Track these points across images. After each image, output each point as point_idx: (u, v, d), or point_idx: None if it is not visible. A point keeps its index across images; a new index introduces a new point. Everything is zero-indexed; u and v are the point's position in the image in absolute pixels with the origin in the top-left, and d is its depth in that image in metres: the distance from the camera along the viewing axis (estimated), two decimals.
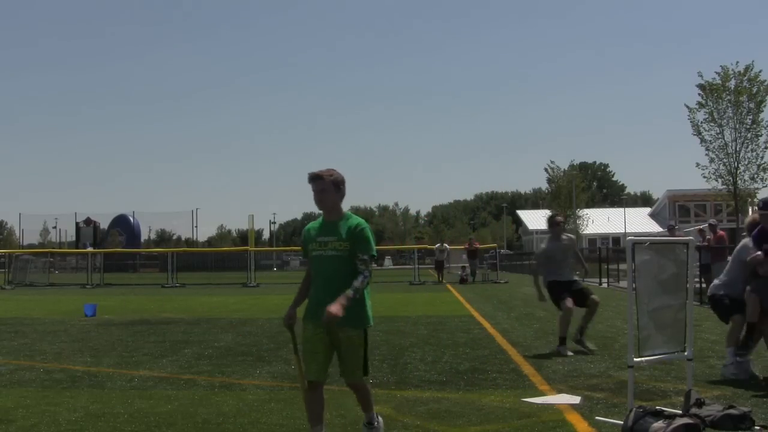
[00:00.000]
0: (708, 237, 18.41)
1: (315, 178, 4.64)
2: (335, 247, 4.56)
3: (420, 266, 36.24)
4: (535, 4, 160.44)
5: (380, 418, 5.05)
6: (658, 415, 4.99)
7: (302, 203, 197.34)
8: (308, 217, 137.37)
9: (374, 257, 4.60)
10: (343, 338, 4.55)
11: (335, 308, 4.34)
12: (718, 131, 28.32)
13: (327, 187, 4.63)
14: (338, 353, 4.61)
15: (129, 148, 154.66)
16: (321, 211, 4.75)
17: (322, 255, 4.60)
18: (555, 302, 9.55)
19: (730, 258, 8.03)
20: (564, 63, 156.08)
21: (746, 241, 7.61)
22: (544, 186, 69.66)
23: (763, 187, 28.55)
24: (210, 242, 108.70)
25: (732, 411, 5.20)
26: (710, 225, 18.15)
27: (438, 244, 36.22)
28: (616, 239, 68.30)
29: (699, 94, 28.69)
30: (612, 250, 29.86)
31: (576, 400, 6.24)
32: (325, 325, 4.44)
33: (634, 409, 5.12)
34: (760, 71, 28.17)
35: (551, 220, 9.93)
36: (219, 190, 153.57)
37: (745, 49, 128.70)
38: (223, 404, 6.33)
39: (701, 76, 28.66)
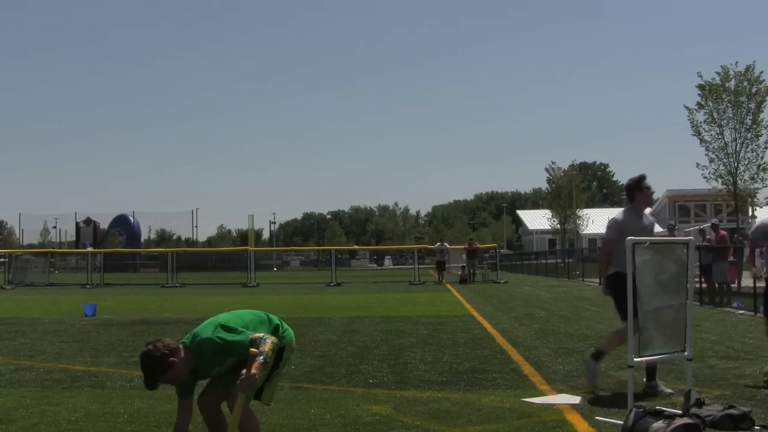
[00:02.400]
0: (708, 237, 18.40)
1: (152, 385, 4.25)
2: (226, 370, 4.38)
3: (420, 266, 36.24)
4: (536, 5, 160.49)
5: None
6: (658, 415, 4.98)
7: (302, 203, 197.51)
8: (308, 217, 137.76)
9: (254, 340, 4.22)
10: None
11: (253, 372, 4.12)
12: (718, 131, 28.30)
13: (171, 376, 4.20)
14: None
15: (129, 149, 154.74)
16: None
17: (221, 378, 4.46)
18: (618, 306, 6.88)
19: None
20: (564, 63, 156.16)
21: None
22: (544, 186, 69.58)
23: (763, 187, 28.53)
24: (210, 242, 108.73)
25: (732, 411, 5.20)
26: (713, 225, 18.14)
27: (438, 244, 36.21)
28: None
29: (699, 94, 28.68)
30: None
31: (576, 400, 6.24)
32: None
33: (634, 409, 5.12)
34: (761, 72, 28.16)
35: (638, 183, 7.00)
36: (219, 190, 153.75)
37: (745, 49, 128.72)
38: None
39: (701, 76, 28.66)
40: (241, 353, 4.18)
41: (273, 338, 4.25)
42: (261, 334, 4.25)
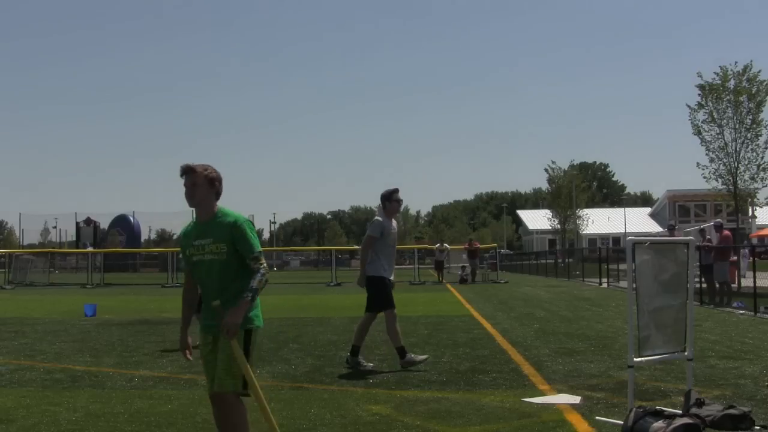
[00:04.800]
0: (709, 237, 18.40)
1: (187, 172, 4.20)
2: (212, 250, 4.12)
3: (420, 266, 36.22)
4: (536, 6, 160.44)
5: None
6: (658, 415, 4.98)
7: (302, 203, 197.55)
8: (308, 217, 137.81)
9: (261, 253, 4.14)
10: (221, 342, 4.09)
11: (233, 319, 3.97)
12: (718, 131, 28.32)
13: (199, 181, 4.18)
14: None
15: (129, 148, 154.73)
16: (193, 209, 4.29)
17: (202, 260, 4.17)
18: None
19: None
20: (564, 63, 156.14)
21: None
22: (544, 186, 69.69)
23: (763, 187, 28.55)
24: None
25: (732, 411, 5.20)
26: (716, 225, 18.14)
27: (438, 244, 36.21)
28: (616, 239, 68.29)
29: (699, 94, 28.69)
30: (612, 250, 29.86)
31: (576, 400, 6.24)
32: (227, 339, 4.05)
33: (634, 409, 5.12)
34: (759, 71, 28.16)
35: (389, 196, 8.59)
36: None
37: (745, 49, 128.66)
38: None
39: (701, 76, 28.67)
40: (245, 250, 4.09)
41: (266, 277, 4.09)
42: (263, 263, 4.12)
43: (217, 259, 4.12)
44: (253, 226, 4.24)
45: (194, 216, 4.34)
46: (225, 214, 4.19)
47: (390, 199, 8.49)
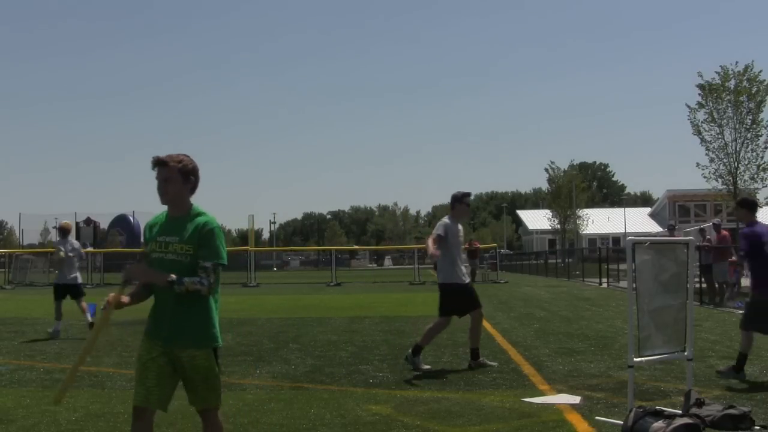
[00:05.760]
0: (709, 237, 18.40)
1: (159, 164, 3.83)
2: (176, 250, 3.77)
3: (420, 266, 36.23)
4: (536, 6, 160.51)
5: None
6: (658, 415, 4.99)
7: (302, 203, 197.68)
8: (308, 217, 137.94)
9: (222, 265, 3.78)
10: (185, 360, 3.80)
11: (140, 269, 3.82)
12: (718, 131, 28.29)
13: (173, 176, 3.82)
14: (184, 380, 3.87)
15: (129, 148, 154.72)
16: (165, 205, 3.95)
17: (162, 259, 3.80)
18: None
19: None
20: (564, 63, 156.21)
21: None
22: (544, 186, 69.69)
23: (763, 187, 28.50)
24: None
25: (732, 411, 5.21)
26: (714, 225, 18.14)
27: None
28: (616, 239, 68.31)
29: (699, 94, 28.67)
30: (612, 250, 29.85)
31: (576, 400, 6.24)
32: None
33: (634, 409, 5.12)
34: (760, 71, 28.15)
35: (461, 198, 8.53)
36: (219, 190, 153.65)
37: (745, 49, 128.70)
38: (223, 404, 6.31)
39: (701, 76, 28.65)
40: (207, 254, 3.74)
41: (204, 291, 3.73)
42: (213, 279, 3.76)
43: (179, 261, 3.76)
44: (224, 236, 3.92)
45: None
46: (198, 214, 3.86)
47: (461, 201, 8.40)
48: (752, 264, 7.53)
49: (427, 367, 8.03)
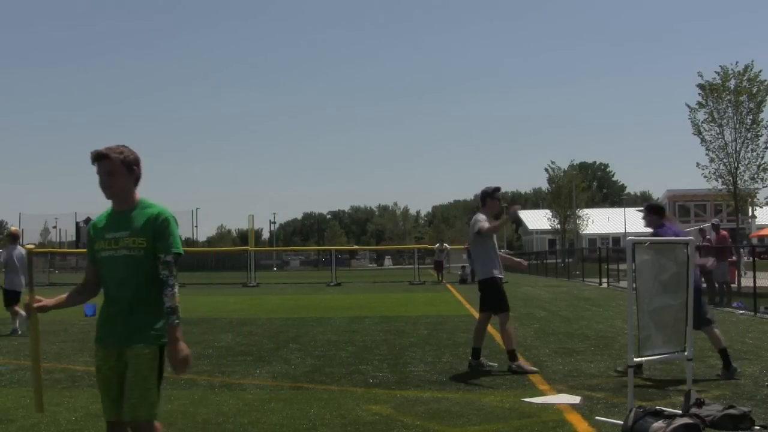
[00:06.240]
0: (708, 237, 18.40)
1: (99, 158, 3.60)
2: (128, 244, 3.54)
3: (420, 266, 36.25)
4: (536, 6, 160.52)
5: None
6: (658, 415, 4.98)
7: (302, 203, 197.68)
8: (308, 217, 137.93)
9: (179, 255, 3.58)
10: (130, 358, 3.52)
11: (181, 354, 3.51)
12: (718, 131, 28.32)
13: (115, 168, 3.58)
14: (123, 385, 3.55)
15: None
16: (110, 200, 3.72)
17: (113, 256, 3.57)
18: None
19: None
20: (564, 63, 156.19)
21: None
22: (544, 186, 69.72)
23: (763, 187, 28.54)
24: (210, 242, 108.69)
25: (732, 411, 5.20)
26: (713, 224, 18.14)
27: (438, 244, 36.23)
28: (616, 239, 68.33)
29: (699, 94, 28.70)
30: (612, 250, 29.86)
31: (576, 400, 6.24)
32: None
33: (634, 409, 5.12)
34: (760, 71, 28.18)
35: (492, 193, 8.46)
36: (219, 190, 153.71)
37: (745, 49, 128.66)
38: (223, 404, 6.33)
39: (701, 76, 28.68)
40: (164, 247, 3.53)
41: (177, 290, 3.52)
42: (175, 273, 3.54)
43: (132, 256, 3.53)
44: (177, 224, 3.69)
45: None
46: (148, 205, 3.65)
47: (492, 196, 8.35)
48: None
49: (493, 364, 7.96)
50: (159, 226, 3.56)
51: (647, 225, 8.03)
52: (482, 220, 8.18)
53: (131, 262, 3.53)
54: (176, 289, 3.48)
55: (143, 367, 3.50)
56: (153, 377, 3.54)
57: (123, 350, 3.53)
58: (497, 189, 8.42)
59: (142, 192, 3.72)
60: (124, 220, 3.60)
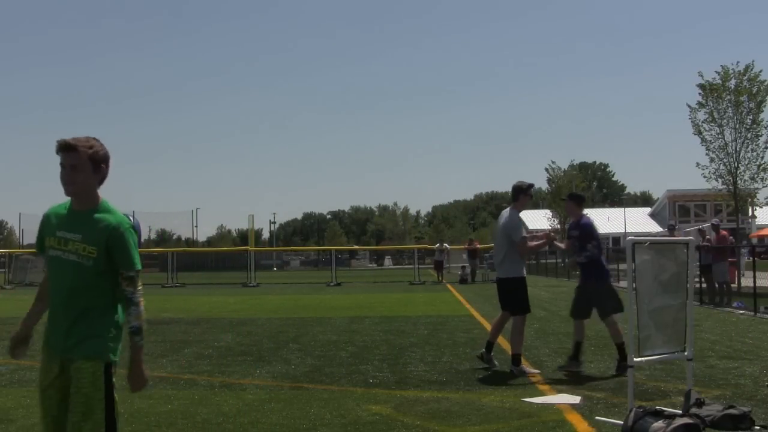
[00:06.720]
0: (708, 237, 18.40)
1: (66, 149, 3.27)
2: (77, 250, 3.22)
3: (420, 266, 36.25)
4: (536, 4, 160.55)
5: None
6: (658, 415, 4.99)
7: (302, 203, 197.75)
8: (308, 217, 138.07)
9: (139, 273, 3.29)
10: (72, 373, 3.19)
11: (140, 378, 3.31)
12: (718, 131, 28.30)
13: (81, 163, 3.26)
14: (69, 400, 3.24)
15: (129, 148, 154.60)
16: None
17: (60, 258, 3.25)
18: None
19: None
20: (564, 63, 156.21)
21: None
22: (544, 186, 69.59)
23: (763, 187, 28.50)
24: (210, 242, 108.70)
25: (732, 411, 5.21)
26: (713, 224, 18.15)
27: (438, 244, 36.24)
28: (616, 239, 68.29)
29: (699, 93, 28.69)
30: (612, 250, 29.85)
31: (576, 400, 6.24)
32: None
33: (634, 409, 5.13)
34: (761, 71, 28.17)
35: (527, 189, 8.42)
36: (219, 190, 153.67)
37: (745, 48, 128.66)
38: (223, 404, 6.33)
39: (701, 75, 28.67)
40: (123, 263, 3.25)
41: (143, 308, 3.30)
42: (140, 287, 3.30)
43: (79, 264, 3.22)
44: (137, 236, 3.40)
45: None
46: (107, 211, 3.31)
47: (526, 192, 8.23)
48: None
49: (535, 371, 7.76)
50: (115, 239, 3.24)
51: (569, 213, 8.45)
52: (522, 227, 8.05)
53: (81, 270, 3.22)
54: (142, 307, 3.26)
55: (85, 383, 3.18)
56: (97, 397, 3.18)
57: (66, 363, 3.22)
58: (531, 185, 8.31)
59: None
60: (80, 221, 3.28)
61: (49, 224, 3.35)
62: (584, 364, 7.89)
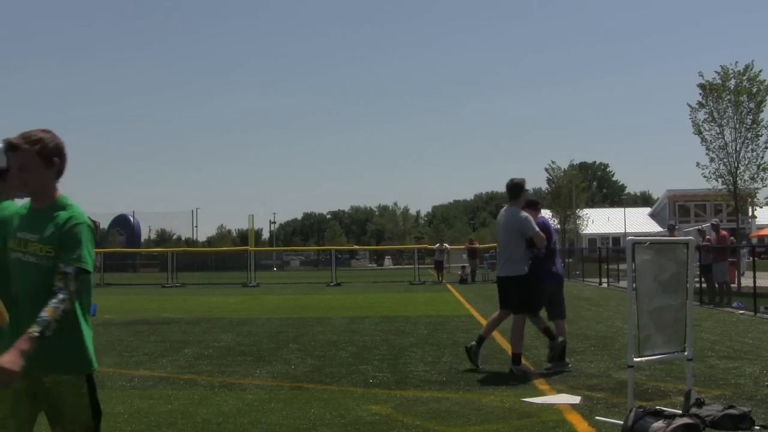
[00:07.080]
0: (708, 237, 18.41)
1: (9, 149, 3.04)
2: (35, 251, 3.00)
3: (420, 266, 36.26)
4: (536, 4, 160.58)
5: None
6: (658, 415, 4.99)
7: (302, 203, 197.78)
8: (308, 217, 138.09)
9: (86, 271, 2.98)
10: (49, 386, 3.00)
11: (9, 361, 2.72)
12: (718, 131, 28.31)
13: (29, 161, 3.01)
14: (45, 411, 3.07)
15: (129, 148, 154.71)
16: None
17: (20, 260, 3.04)
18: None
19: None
20: (564, 63, 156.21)
21: None
22: (544, 186, 69.63)
23: (763, 187, 28.51)
24: (210, 242, 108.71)
25: (732, 411, 5.21)
26: (713, 225, 18.15)
27: (438, 244, 36.25)
28: (616, 239, 68.29)
29: (699, 93, 28.70)
30: (612, 250, 29.88)
31: (576, 400, 6.24)
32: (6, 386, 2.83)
33: (634, 409, 5.12)
34: (761, 71, 28.17)
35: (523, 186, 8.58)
36: (219, 190, 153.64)
37: (745, 48, 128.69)
38: (223, 404, 6.33)
39: (701, 75, 28.68)
40: (66, 255, 2.94)
41: (65, 305, 2.86)
42: (72, 287, 2.91)
43: (41, 266, 2.99)
44: (95, 234, 3.13)
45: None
46: (62, 206, 3.07)
47: (524, 188, 8.37)
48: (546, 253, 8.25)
49: (537, 370, 7.78)
50: (66, 232, 2.98)
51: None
52: (533, 222, 8.08)
53: (42, 272, 2.97)
54: (62, 307, 2.83)
55: (69, 396, 3.03)
56: (82, 404, 3.08)
57: (31, 373, 2.90)
58: (524, 180, 8.43)
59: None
60: (37, 220, 3.05)
61: (10, 225, 3.15)
62: (570, 365, 7.95)
